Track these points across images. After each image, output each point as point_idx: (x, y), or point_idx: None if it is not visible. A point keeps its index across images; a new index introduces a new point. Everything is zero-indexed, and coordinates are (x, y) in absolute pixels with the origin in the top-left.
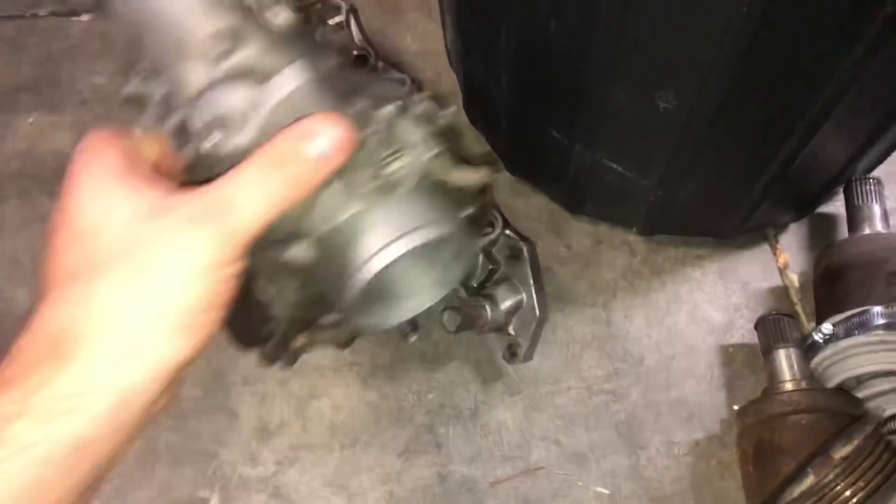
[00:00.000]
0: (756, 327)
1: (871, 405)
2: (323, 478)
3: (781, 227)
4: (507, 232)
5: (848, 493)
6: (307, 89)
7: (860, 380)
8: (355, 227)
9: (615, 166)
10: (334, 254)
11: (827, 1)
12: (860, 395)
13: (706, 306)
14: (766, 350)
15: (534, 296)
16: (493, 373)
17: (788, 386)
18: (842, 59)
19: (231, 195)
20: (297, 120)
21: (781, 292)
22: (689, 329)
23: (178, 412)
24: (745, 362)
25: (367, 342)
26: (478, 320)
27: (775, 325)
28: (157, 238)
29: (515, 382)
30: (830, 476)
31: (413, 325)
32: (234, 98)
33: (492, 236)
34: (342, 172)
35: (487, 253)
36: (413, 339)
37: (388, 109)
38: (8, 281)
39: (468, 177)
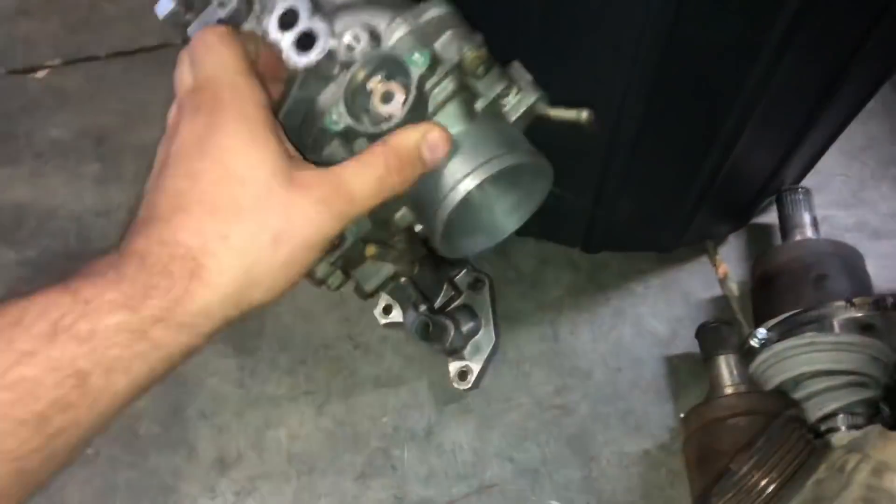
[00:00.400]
0: (696, 337)
1: (808, 405)
2: None
3: (720, 239)
4: (471, 263)
5: (763, 482)
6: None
7: (797, 381)
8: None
9: (552, 188)
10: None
11: (725, 21)
12: (797, 395)
13: (650, 319)
14: (707, 357)
15: (491, 324)
16: (446, 395)
17: (728, 391)
18: (746, 73)
19: (355, 187)
20: (415, 124)
21: (722, 302)
22: (635, 342)
23: (137, 448)
24: (690, 371)
25: (322, 370)
26: (444, 334)
27: (714, 333)
28: (291, 208)
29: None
30: (746, 468)
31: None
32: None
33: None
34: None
35: (451, 281)
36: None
37: None
38: None
39: (568, 114)
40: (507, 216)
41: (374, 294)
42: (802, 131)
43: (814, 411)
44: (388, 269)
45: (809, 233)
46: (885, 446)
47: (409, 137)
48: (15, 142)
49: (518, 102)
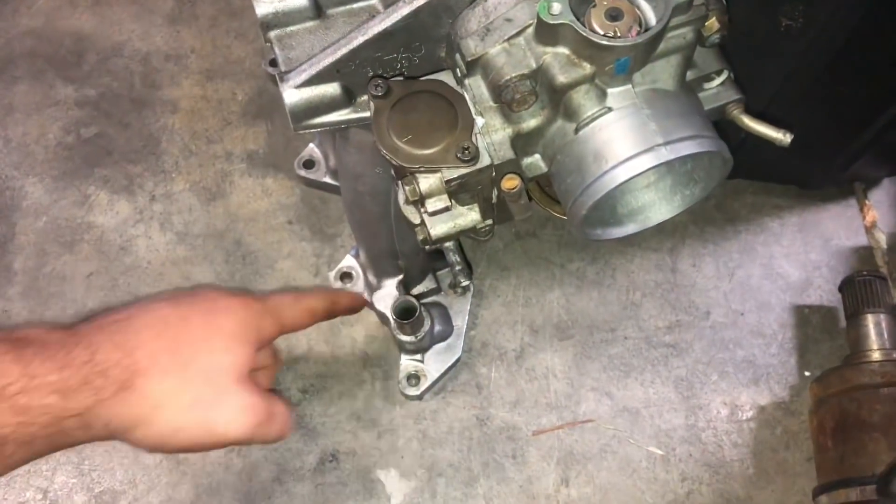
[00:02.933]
0: (840, 289)
1: None
2: (352, 410)
3: (873, 182)
4: (458, 259)
5: None
6: None
7: None
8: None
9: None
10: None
11: None
12: None
13: (782, 261)
14: (853, 314)
15: (462, 337)
16: (543, 317)
17: (877, 355)
18: None
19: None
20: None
21: (866, 253)
22: (763, 284)
23: None
24: (822, 326)
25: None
26: (420, 326)
27: (865, 287)
28: (224, 402)
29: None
30: None
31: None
32: None
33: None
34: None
35: (434, 273)
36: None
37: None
38: (16, 169)
39: (768, 130)
40: (649, 208)
41: (437, 242)
42: None
43: None
44: (470, 219)
45: None
46: None
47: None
48: None
49: (718, 94)
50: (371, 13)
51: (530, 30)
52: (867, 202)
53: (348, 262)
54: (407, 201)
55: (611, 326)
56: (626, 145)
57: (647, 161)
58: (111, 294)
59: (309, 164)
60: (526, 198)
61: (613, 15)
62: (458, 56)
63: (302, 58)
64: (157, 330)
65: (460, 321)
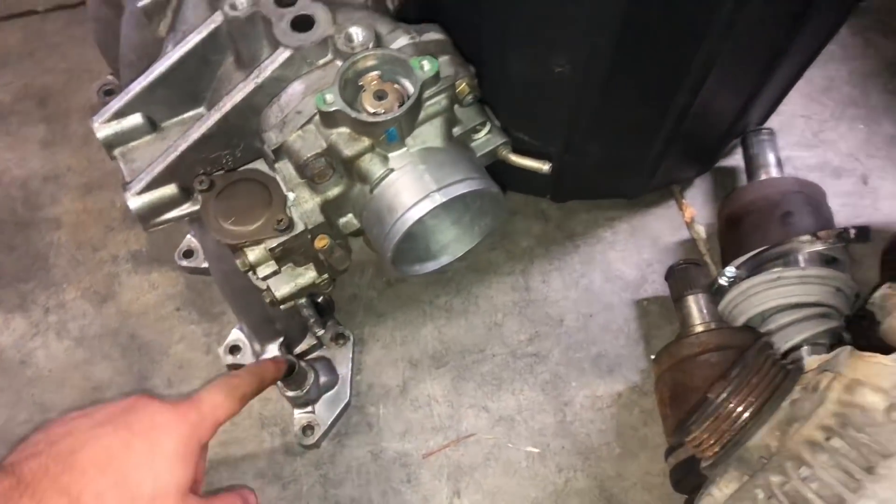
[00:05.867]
0: (666, 278)
1: (774, 338)
2: (256, 470)
3: (686, 183)
4: (311, 313)
5: (740, 408)
6: None
7: (764, 316)
8: (399, 181)
9: (522, 136)
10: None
11: None
12: (765, 329)
13: (619, 264)
14: (677, 298)
15: (348, 383)
16: (419, 352)
17: (698, 329)
18: (714, 12)
19: None
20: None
21: (690, 244)
22: (605, 287)
23: None
24: (660, 313)
25: None
26: (304, 381)
27: (683, 274)
28: None
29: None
30: (723, 395)
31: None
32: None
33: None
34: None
35: (313, 330)
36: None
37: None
38: None
39: (530, 162)
40: (455, 242)
41: (283, 302)
42: (766, 72)
43: (780, 344)
44: (308, 277)
45: (774, 172)
46: (855, 365)
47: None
48: None
49: (487, 141)
50: (197, 120)
51: (317, 117)
52: (684, 201)
53: (235, 335)
54: (247, 270)
55: (479, 348)
56: (409, 196)
57: (427, 205)
58: (17, 408)
59: (189, 253)
60: (341, 251)
61: (380, 95)
62: (265, 146)
63: (143, 167)
64: (101, 465)
65: (345, 369)
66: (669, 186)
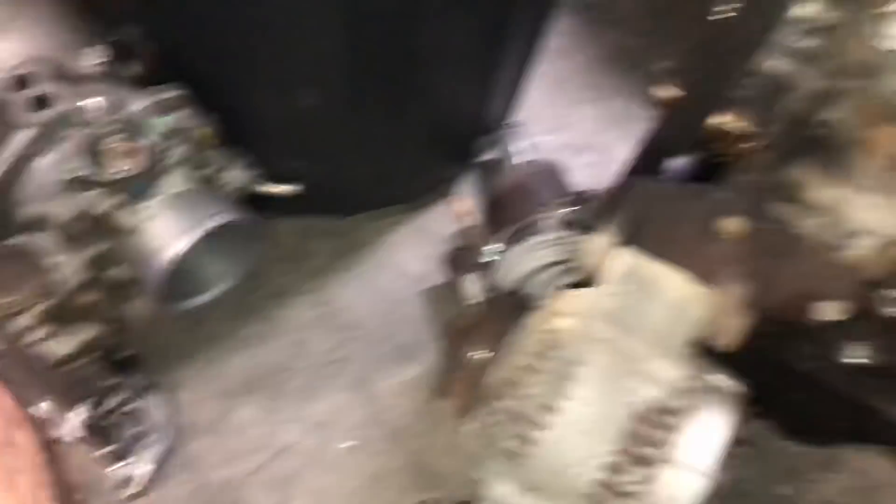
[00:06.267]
0: (443, 266)
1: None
2: None
3: (455, 180)
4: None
5: (478, 354)
6: None
7: (527, 278)
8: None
9: (297, 163)
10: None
11: None
12: (528, 291)
13: (407, 263)
14: (454, 280)
15: (165, 426)
16: (223, 383)
17: (472, 302)
18: (420, 30)
19: None
20: None
21: (467, 233)
22: (396, 285)
23: None
24: (448, 297)
25: None
26: (109, 439)
27: (455, 259)
28: None
29: None
30: (466, 349)
31: None
32: None
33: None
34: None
35: (107, 384)
36: None
37: None
38: None
39: (276, 189)
40: (219, 275)
41: (66, 362)
42: (489, 74)
43: (542, 298)
44: (90, 333)
45: (524, 158)
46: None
47: None
48: None
49: (234, 177)
50: None
51: (70, 184)
52: (455, 195)
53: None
54: (15, 339)
55: (287, 366)
56: (163, 240)
57: (183, 243)
58: None
59: None
60: (122, 301)
61: (125, 155)
62: (23, 219)
63: None
64: None
65: (159, 415)
66: (441, 186)
